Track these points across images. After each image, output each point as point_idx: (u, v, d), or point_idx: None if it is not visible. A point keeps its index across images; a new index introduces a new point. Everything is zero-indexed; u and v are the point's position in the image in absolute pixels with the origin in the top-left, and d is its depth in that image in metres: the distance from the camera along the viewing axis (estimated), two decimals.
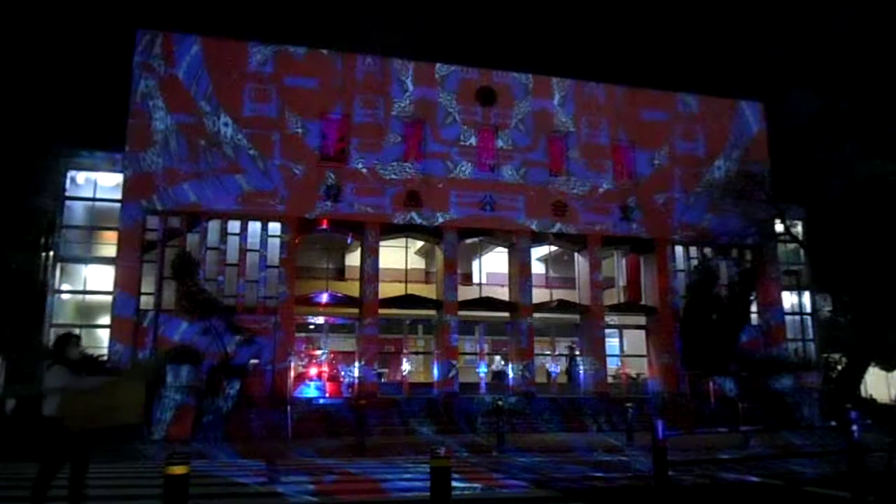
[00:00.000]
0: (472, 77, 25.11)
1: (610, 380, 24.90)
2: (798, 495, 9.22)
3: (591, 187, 25.33)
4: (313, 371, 23.51)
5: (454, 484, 6.86)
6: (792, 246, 27.63)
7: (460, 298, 23.95)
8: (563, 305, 25.43)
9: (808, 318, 28.69)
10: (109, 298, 21.18)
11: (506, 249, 25.54)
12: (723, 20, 58.84)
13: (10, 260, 21.68)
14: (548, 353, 25.81)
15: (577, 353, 25.70)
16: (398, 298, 23.80)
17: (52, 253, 22.22)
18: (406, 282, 24.91)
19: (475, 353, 25.27)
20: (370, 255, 23.20)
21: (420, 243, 25.90)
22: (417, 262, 26.74)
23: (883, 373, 29.86)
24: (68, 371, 6.84)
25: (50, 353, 7.13)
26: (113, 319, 20.86)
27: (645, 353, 25.96)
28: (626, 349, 26.65)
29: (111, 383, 7.19)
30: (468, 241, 24.87)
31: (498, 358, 26.13)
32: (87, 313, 22.94)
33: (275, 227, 22.55)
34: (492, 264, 26.89)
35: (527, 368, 23.67)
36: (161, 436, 17.60)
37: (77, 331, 22.13)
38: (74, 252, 22.47)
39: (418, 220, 23.57)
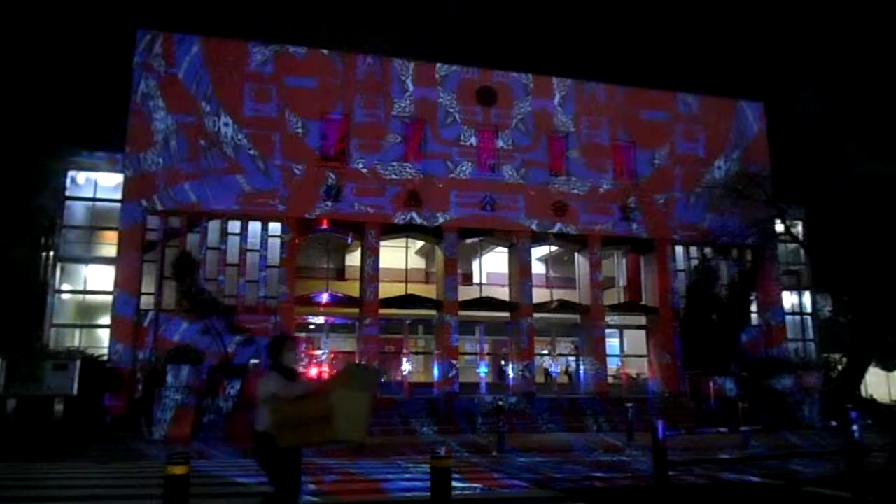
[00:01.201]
0: (472, 77, 25.12)
1: (610, 380, 24.91)
2: (798, 495, 9.22)
3: (591, 187, 25.34)
4: (313, 371, 23.51)
5: (454, 484, 6.86)
6: (792, 246, 27.63)
7: (460, 298, 23.96)
8: (563, 305, 25.44)
9: (808, 318, 28.71)
10: (109, 298, 21.19)
11: (506, 249, 25.55)
12: (723, 20, 58.83)
13: (11, 260, 21.68)
14: (545, 353, 25.81)
15: (576, 353, 25.70)
16: (398, 298, 23.82)
17: (52, 253, 22.24)
18: (406, 282, 24.93)
19: (475, 353, 25.28)
20: (370, 255, 23.21)
21: (420, 243, 25.91)
22: (418, 262, 26.76)
23: (883, 373, 29.86)
24: (280, 377, 5.88)
25: (269, 356, 6.07)
26: (113, 319, 20.88)
27: (645, 353, 25.97)
28: (626, 349, 26.67)
29: (324, 390, 6.03)
30: (468, 241, 24.87)
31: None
32: (87, 313, 22.95)
33: (275, 227, 22.56)
34: (492, 264, 26.91)
35: (527, 368, 23.68)
36: (161, 436, 17.61)
37: (79, 331, 22.29)
38: (75, 252, 22.49)
39: (418, 220, 23.57)
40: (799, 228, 27.63)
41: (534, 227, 24.58)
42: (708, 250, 26.01)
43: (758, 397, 22.04)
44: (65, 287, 22.48)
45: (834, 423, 20.40)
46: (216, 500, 8.57)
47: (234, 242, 22.13)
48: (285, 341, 6.17)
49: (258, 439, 5.80)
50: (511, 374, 24.15)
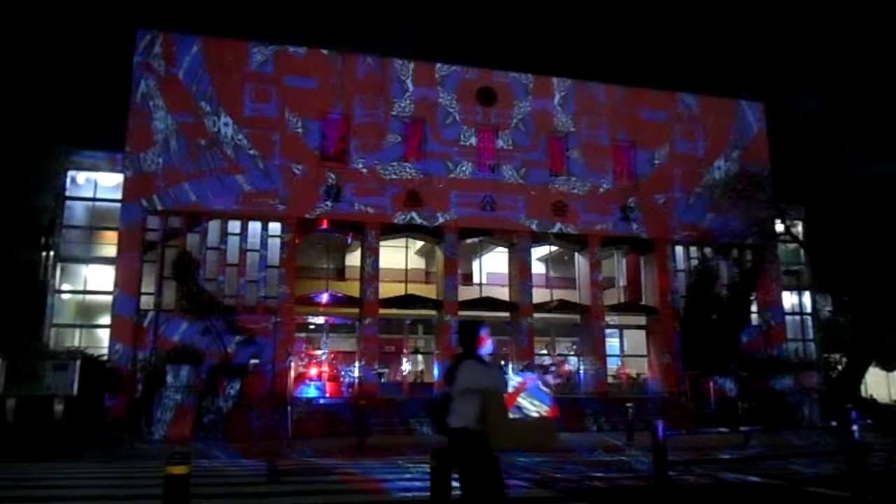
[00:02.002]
0: (472, 77, 25.12)
1: (610, 380, 24.91)
2: (798, 495, 9.21)
3: (591, 187, 25.34)
4: (313, 371, 23.52)
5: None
6: (792, 246, 27.62)
7: (460, 298, 23.97)
8: (563, 305, 25.44)
9: (809, 318, 28.71)
10: (109, 298, 21.19)
11: (506, 249, 25.55)
12: (723, 20, 58.84)
13: (11, 260, 21.70)
14: (544, 352, 25.78)
15: (576, 353, 25.70)
16: (398, 298, 23.81)
17: (52, 253, 22.24)
18: (406, 282, 24.92)
19: None
20: (370, 255, 23.21)
21: (420, 243, 25.91)
22: (417, 262, 26.76)
23: (883, 373, 29.87)
24: (489, 368, 5.18)
25: (462, 343, 5.33)
26: (113, 319, 20.88)
27: (645, 353, 25.97)
28: (626, 349, 26.66)
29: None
30: (468, 241, 24.88)
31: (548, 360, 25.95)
32: (87, 313, 22.95)
33: (275, 227, 22.56)
34: (492, 264, 26.90)
35: (526, 368, 23.65)
36: (161, 436, 17.61)
37: (78, 331, 22.30)
38: (75, 252, 22.50)
39: (418, 220, 23.57)
40: (799, 228, 27.63)
41: (534, 227, 24.57)
42: (708, 250, 26.01)
43: (758, 397, 22.04)
44: (65, 287, 22.48)
45: (834, 423, 20.41)
46: (216, 500, 8.57)
47: (234, 242, 22.13)
48: (482, 327, 5.40)
49: (459, 436, 5.00)
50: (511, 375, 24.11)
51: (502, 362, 25.28)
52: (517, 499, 9.16)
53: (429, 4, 62.79)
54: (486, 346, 5.33)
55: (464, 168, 24.33)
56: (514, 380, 5.44)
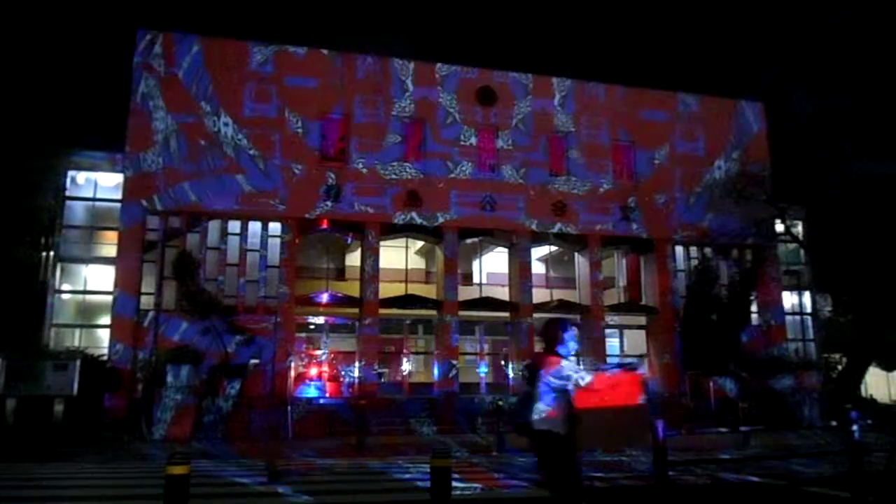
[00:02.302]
0: (472, 77, 25.11)
1: None
2: (798, 495, 9.21)
3: (591, 187, 25.33)
4: (313, 371, 23.52)
5: (454, 484, 6.87)
6: (792, 246, 27.61)
7: (460, 298, 23.95)
8: (563, 305, 25.41)
9: (809, 318, 28.69)
10: (109, 298, 21.19)
11: (506, 249, 25.54)
12: (723, 20, 58.83)
13: (11, 260, 21.71)
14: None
15: (576, 353, 25.68)
16: (398, 298, 23.81)
17: (52, 253, 22.24)
18: (406, 282, 24.90)
19: (475, 353, 25.27)
20: (370, 255, 23.21)
21: (420, 243, 25.90)
22: (417, 262, 26.74)
23: (883, 373, 29.87)
24: (575, 367, 5.03)
25: (547, 340, 5.14)
26: (113, 319, 20.87)
27: (645, 353, 25.96)
28: (626, 349, 26.64)
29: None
30: (468, 241, 24.86)
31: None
32: (87, 313, 22.95)
33: (275, 227, 22.55)
34: (492, 264, 26.89)
35: (527, 368, 23.64)
36: (161, 436, 17.61)
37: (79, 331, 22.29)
38: (75, 252, 22.49)
39: (418, 220, 23.57)
40: (799, 228, 27.63)
41: (534, 227, 24.57)
42: (708, 250, 26.00)
43: (758, 397, 22.03)
44: (65, 287, 22.47)
45: (834, 423, 20.40)
46: (216, 500, 8.57)
47: (234, 242, 22.12)
48: (566, 325, 5.20)
49: (544, 438, 4.87)
50: (511, 374, 24.13)
51: (503, 362, 25.35)
52: (517, 499, 9.17)
53: (429, 4, 62.78)
54: (570, 345, 5.17)
55: (464, 168, 24.33)
56: (607, 373, 5.28)
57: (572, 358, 5.12)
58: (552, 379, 4.93)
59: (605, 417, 4.85)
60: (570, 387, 4.86)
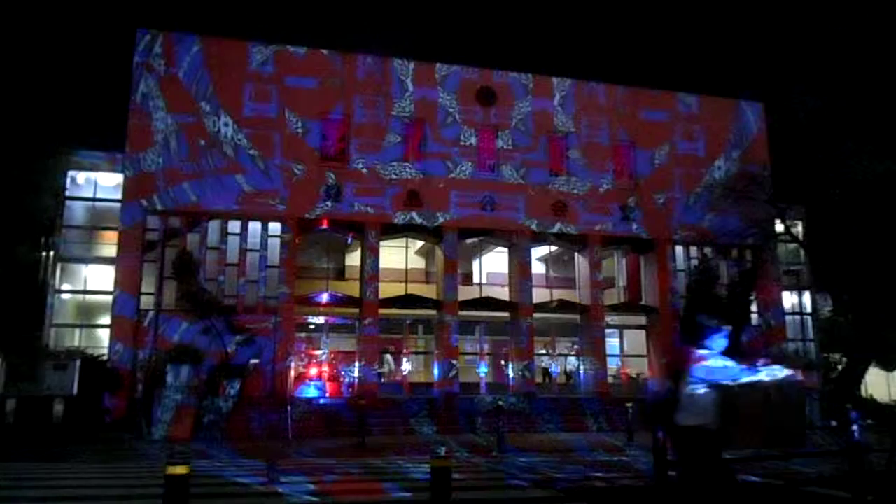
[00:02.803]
0: (472, 77, 25.11)
1: (610, 380, 24.90)
2: (798, 495, 9.21)
3: (591, 187, 25.34)
4: (313, 371, 23.51)
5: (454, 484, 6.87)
6: (792, 246, 27.61)
7: (460, 298, 23.96)
8: (563, 305, 25.43)
9: (808, 318, 28.69)
10: (109, 298, 21.19)
11: (506, 249, 25.55)
12: (723, 20, 58.85)
13: (11, 260, 21.69)
14: (544, 352, 25.76)
15: (576, 353, 25.71)
16: (398, 298, 23.81)
17: (52, 253, 22.23)
18: (406, 282, 24.90)
19: (475, 353, 25.27)
20: (370, 255, 23.21)
21: (420, 243, 25.90)
22: (417, 262, 26.75)
23: (883, 373, 29.82)
24: (726, 362, 4.89)
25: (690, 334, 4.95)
26: (113, 319, 20.87)
27: (645, 353, 25.97)
28: (626, 349, 26.66)
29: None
30: (468, 241, 24.87)
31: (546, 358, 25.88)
32: (87, 313, 22.94)
33: (275, 227, 22.55)
34: (492, 264, 26.89)
35: (527, 368, 23.68)
36: (161, 436, 17.61)
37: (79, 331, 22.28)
38: (75, 252, 22.49)
39: (418, 220, 23.57)
40: (799, 228, 27.62)
41: (534, 227, 24.57)
42: (708, 250, 26.01)
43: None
44: (65, 287, 22.47)
45: (834, 423, 20.40)
46: (216, 500, 8.57)
47: (234, 242, 22.12)
48: (713, 321, 5.01)
49: (690, 435, 4.69)
50: (511, 374, 24.14)
51: (503, 362, 25.34)
52: (517, 499, 9.17)
53: (429, 4, 62.80)
54: (718, 340, 5.00)
55: (464, 168, 24.33)
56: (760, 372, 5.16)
57: (720, 354, 4.92)
58: (700, 375, 4.77)
59: (765, 415, 4.73)
60: (723, 381, 4.66)
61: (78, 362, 17.48)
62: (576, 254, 26.33)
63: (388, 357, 24.44)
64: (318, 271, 25.63)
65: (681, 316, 25.00)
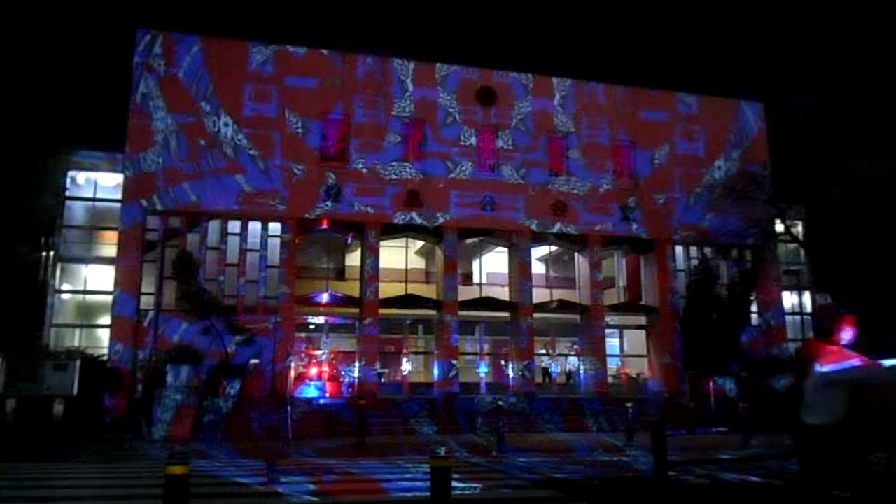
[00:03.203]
0: (472, 77, 25.11)
1: (610, 380, 24.90)
2: (798, 495, 9.20)
3: (591, 187, 25.34)
4: (313, 371, 23.51)
5: (454, 484, 6.87)
6: (792, 246, 27.62)
7: (460, 298, 23.95)
8: (563, 305, 25.43)
9: (809, 318, 28.68)
10: (109, 298, 21.19)
11: (506, 249, 25.54)
12: (723, 20, 58.84)
13: (11, 260, 21.68)
14: (542, 352, 25.75)
15: (576, 353, 25.71)
16: (398, 298, 23.81)
17: (52, 253, 22.24)
18: (406, 282, 24.91)
19: (475, 353, 25.27)
20: (370, 255, 23.20)
21: (420, 243, 25.90)
22: (417, 262, 26.75)
23: None
24: (857, 356, 4.70)
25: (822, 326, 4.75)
26: (113, 319, 20.87)
27: (645, 353, 25.96)
28: (626, 349, 26.65)
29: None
30: (468, 241, 24.87)
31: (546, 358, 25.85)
32: (87, 313, 22.95)
33: (275, 227, 22.55)
34: (492, 264, 26.89)
35: (527, 368, 23.67)
36: (161, 436, 17.61)
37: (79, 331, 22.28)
38: (75, 252, 22.50)
39: (418, 220, 23.57)
40: (799, 228, 27.63)
41: (534, 227, 24.57)
42: (708, 250, 26.00)
43: (758, 397, 22.02)
44: (65, 287, 22.48)
45: None
46: (216, 500, 8.57)
47: (234, 242, 22.12)
48: (845, 311, 4.76)
49: (818, 434, 4.48)
50: (511, 374, 24.13)
51: (503, 362, 25.33)
52: (517, 499, 9.17)
53: (429, 4, 62.78)
54: (849, 333, 4.75)
55: (464, 168, 24.33)
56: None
57: (848, 347, 4.73)
58: (829, 370, 4.52)
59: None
60: (858, 377, 4.46)
61: (78, 362, 17.49)
62: (576, 254, 26.32)
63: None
64: (318, 271, 25.62)
65: (681, 317, 24.93)
